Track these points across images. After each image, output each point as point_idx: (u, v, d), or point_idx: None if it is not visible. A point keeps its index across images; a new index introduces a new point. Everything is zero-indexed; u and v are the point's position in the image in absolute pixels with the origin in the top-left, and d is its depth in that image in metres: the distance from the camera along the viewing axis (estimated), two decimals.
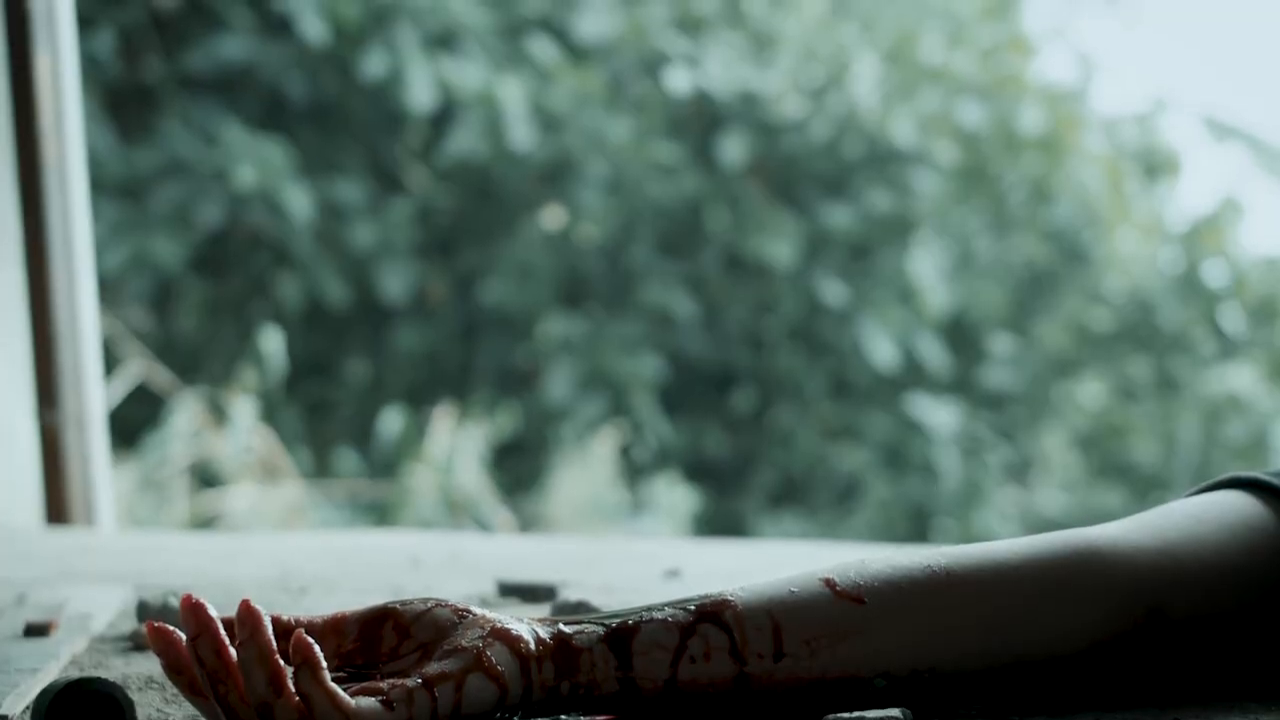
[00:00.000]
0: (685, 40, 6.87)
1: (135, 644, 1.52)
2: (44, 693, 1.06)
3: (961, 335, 6.96)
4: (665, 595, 1.78)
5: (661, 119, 6.77)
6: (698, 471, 6.77)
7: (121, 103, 6.60)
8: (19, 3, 2.85)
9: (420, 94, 6.49)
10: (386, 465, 6.07)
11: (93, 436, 2.92)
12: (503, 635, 1.09)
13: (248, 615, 1.04)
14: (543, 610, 1.69)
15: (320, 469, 6.25)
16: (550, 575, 1.95)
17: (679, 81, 6.72)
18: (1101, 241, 7.07)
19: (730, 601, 1.13)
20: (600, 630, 1.11)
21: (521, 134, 6.54)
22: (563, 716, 1.14)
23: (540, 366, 6.63)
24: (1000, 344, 6.98)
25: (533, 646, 1.09)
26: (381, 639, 1.12)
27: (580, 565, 2.15)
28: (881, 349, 6.63)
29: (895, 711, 1.06)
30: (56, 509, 2.88)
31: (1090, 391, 7.14)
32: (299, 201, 6.36)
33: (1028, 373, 7.00)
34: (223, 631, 1.06)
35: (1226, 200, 7.29)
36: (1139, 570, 1.16)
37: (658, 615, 1.12)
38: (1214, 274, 7.23)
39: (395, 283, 6.58)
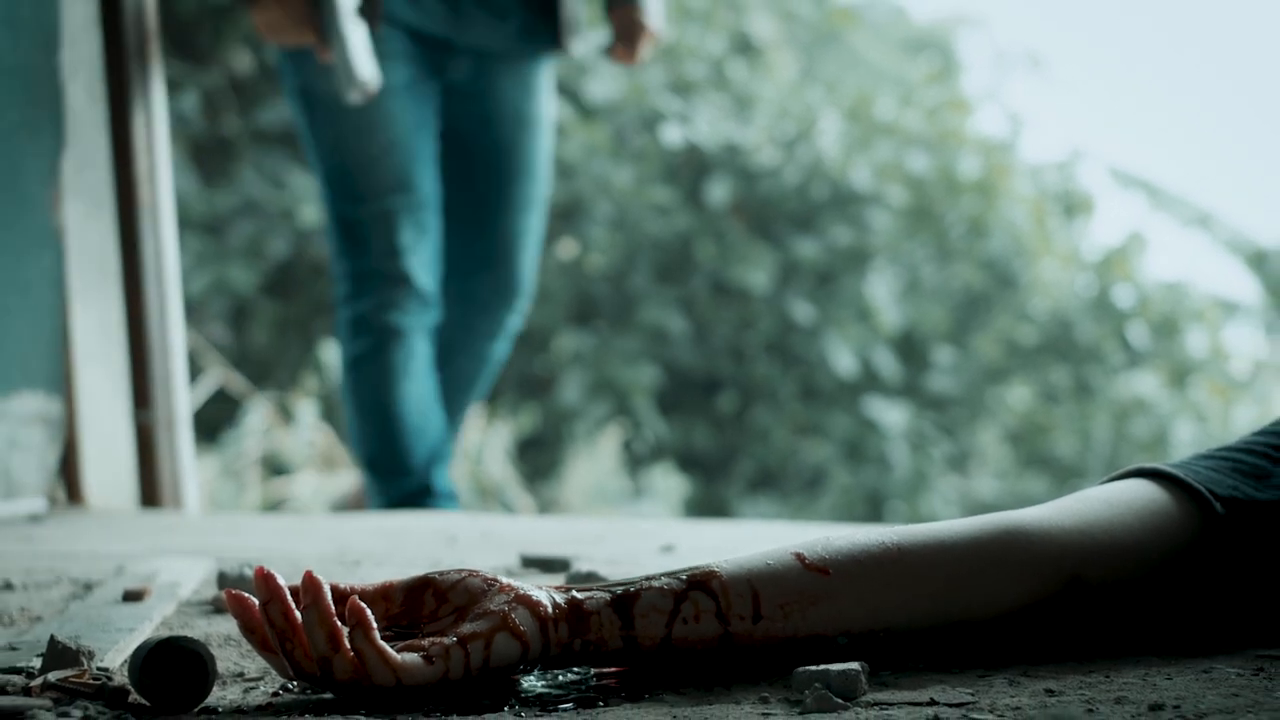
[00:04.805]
0: (678, 101, 6.87)
1: (216, 608, 1.52)
2: (139, 649, 1.06)
3: (910, 348, 6.96)
4: (661, 567, 1.78)
5: (658, 167, 6.77)
6: (688, 462, 6.76)
7: (204, 153, 6.60)
8: (119, 71, 2.86)
9: None
10: None
11: (180, 433, 2.92)
12: (525, 600, 1.09)
13: (310, 584, 1.05)
14: (558, 579, 1.69)
15: None
16: (565, 550, 1.95)
17: (673, 135, 6.73)
18: (1028, 269, 7.07)
19: (716, 572, 1.13)
20: (607, 596, 1.11)
21: None
22: (574, 669, 1.14)
23: (555, 375, 6.62)
24: (943, 355, 6.98)
25: (550, 610, 1.09)
26: (423, 604, 1.12)
27: (590, 541, 2.14)
28: (843, 359, 6.63)
29: (855, 665, 1.06)
30: (150, 494, 2.88)
31: (1018, 395, 7.14)
32: None
33: (966, 379, 7.00)
34: (289, 597, 1.06)
35: (1132, 235, 7.30)
36: (1060, 546, 1.16)
37: (655, 583, 1.12)
38: (1122, 296, 7.23)
39: None
